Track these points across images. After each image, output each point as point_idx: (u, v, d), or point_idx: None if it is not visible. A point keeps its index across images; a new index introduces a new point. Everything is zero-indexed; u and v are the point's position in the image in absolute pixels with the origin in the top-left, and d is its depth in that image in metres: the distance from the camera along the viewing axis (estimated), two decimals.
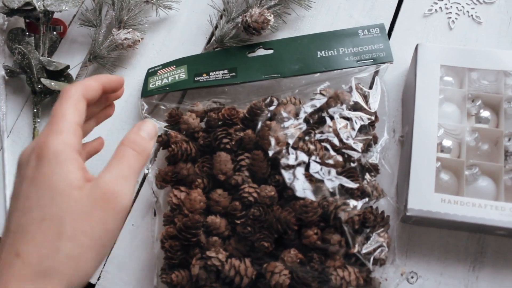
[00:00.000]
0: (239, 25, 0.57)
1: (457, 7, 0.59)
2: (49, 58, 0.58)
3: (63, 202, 0.33)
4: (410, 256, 0.51)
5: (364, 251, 0.46)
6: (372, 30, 0.55)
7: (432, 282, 0.50)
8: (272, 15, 0.55)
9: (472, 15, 0.58)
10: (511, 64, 0.51)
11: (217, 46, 0.58)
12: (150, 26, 0.62)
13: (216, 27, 0.59)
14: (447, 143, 0.50)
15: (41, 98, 0.58)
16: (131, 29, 0.58)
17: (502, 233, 0.48)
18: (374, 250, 0.46)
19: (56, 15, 0.62)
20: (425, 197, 0.47)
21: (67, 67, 0.58)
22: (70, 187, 0.33)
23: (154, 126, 0.39)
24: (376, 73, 0.55)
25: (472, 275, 0.50)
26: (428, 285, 0.50)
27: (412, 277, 0.50)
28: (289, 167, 0.48)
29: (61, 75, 0.58)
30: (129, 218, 0.54)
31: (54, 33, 0.61)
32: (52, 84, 0.56)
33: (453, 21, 0.58)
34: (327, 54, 0.55)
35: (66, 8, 0.57)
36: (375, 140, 0.52)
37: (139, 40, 0.58)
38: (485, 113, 0.51)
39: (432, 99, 0.50)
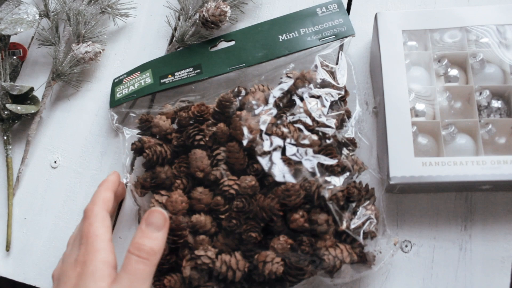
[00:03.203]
0: (197, 21, 0.56)
1: None
2: (12, 83, 0.57)
3: None
4: (401, 225, 0.50)
5: (353, 226, 0.45)
6: (330, 7, 0.55)
7: (427, 248, 0.49)
8: (229, 7, 0.55)
9: None
10: (470, 20, 0.51)
11: (179, 46, 0.57)
12: (109, 37, 0.61)
13: (175, 28, 0.58)
14: (420, 106, 0.50)
15: (9, 125, 0.57)
16: (90, 42, 0.57)
17: (487, 187, 0.48)
18: (363, 223, 0.46)
19: (14, 39, 0.61)
20: (406, 163, 0.47)
21: (31, 89, 0.57)
22: None
23: (161, 214, 0.43)
24: (341, 48, 0.55)
25: (465, 234, 0.49)
26: (423, 251, 0.49)
27: (406, 246, 0.50)
28: (265, 153, 0.47)
29: (27, 98, 0.57)
30: (115, 231, 0.53)
31: (14, 57, 0.60)
32: (18, 108, 0.56)
33: None
34: (288, 37, 0.54)
35: (21, 30, 0.56)
36: (348, 114, 0.51)
37: (100, 52, 0.58)
38: (453, 71, 0.51)
39: (399, 65, 0.50)
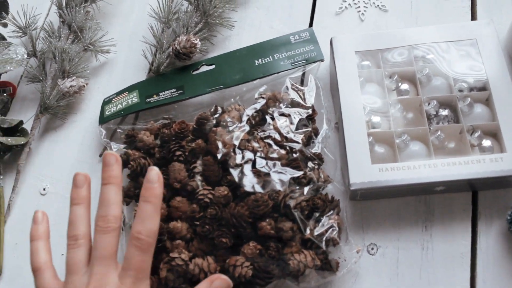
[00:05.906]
0: (171, 53, 0.61)
1: (363, 1, 0.65)
2: (2, 117, 0.61)
3: None
4: (366, 230, 0.54)
5: (316, 233, 0.49)
6: (302, 35, 0.61)
7: (392, 249, 0.53)
8: (198, 39, 0.60)
9: (378, 5, 0.65)
10: (415, 39, 0.57)
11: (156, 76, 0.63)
12: (92, 72, 0.67)
13: (152, 62, 0.64)
14: (375, 119, 0.54)
15: (0, 156, 0.61)
16: (75, 77, 0.63)
17: (441, 188, 0.52)
18: (326, 231, 0.49)
19: (4, 77, 0.66)
20: (364, 170, 0.51)
21: (21, 122, 0.62)
22: None
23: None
24: (309, 71, 0.60)
25: (426, 234, 0.53)
26: (388, 252, 0.52)
27: (372, 249, 0.53)
28: (237, 166, 0.51)
29: (16, 130, 0.62)
30: None
31: (5, 94, 0.65)
32: (9, 140, 0.60)
33: (362, 13, 0.64)
34: (264, 62, 0.60)
35: (11, 68, 0.61)
36: (316, 132, 0.55)
37: (84, 86, 0.63)
38: (404, 86, 0.56)
39: (353, 83, 0.55)
